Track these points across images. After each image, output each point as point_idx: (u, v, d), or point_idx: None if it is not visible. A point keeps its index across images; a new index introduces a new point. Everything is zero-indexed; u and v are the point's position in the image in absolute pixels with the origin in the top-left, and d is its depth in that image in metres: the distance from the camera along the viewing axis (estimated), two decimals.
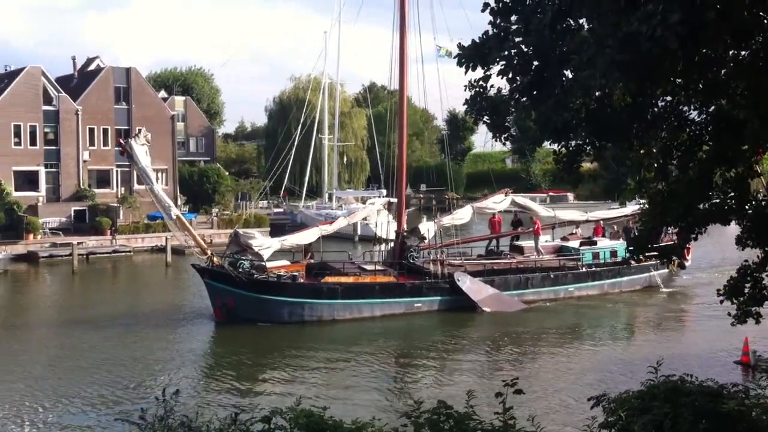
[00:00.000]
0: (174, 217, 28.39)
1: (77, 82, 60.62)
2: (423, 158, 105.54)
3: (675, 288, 35.72)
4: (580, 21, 7.40)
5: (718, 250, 41.41)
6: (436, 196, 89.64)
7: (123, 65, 61.42)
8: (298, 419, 6.27)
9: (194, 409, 12.81)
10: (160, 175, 60.92)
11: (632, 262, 34.32)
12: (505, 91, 8.10)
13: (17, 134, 54.06)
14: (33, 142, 54.61)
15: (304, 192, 68.00)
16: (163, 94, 73.13)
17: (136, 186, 58.84)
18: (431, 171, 72.66)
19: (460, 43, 7.91)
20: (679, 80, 7.50)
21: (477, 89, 8.11)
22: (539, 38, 7.34)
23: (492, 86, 8.17)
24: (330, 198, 67.11)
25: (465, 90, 8.28)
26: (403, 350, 25.60)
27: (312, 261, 31.17)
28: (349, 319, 28.62)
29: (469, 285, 30.22)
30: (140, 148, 27.89)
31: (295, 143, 62.51)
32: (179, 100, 76.04)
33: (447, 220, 34.18)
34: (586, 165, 8.91)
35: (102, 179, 58.42)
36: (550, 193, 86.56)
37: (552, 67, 7.46)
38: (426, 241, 32.66)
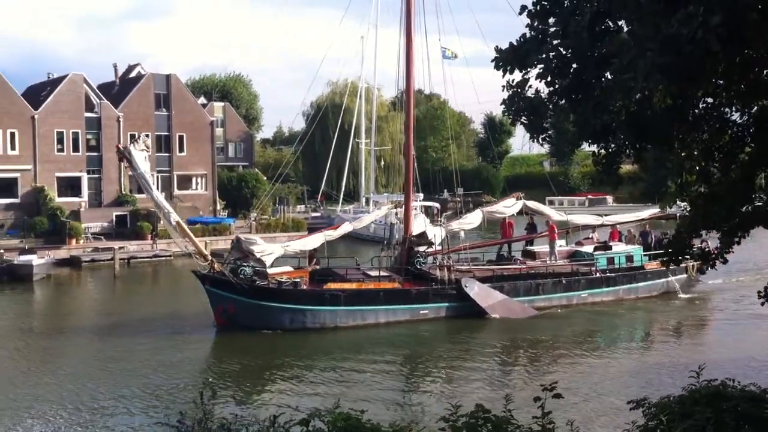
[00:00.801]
0: (174, 223, 27.86)
1: (118, 89, 61.51)
2: (460, 162, 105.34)
3: (695, 294, 34.56)
4: (619, 23, 7.35)
5: (739, 254, 40.57)
6: (473, 199, 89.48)
7: (164, 72, 62.27)
8: (336, 422, 6.31)
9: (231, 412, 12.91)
10: (199, 180, 61.91)
11: (647, 266, 33.57)
12: (543, 93, 8.07)
13: (60, 141, 55.06)
14: (75, 149, 55.56)
15: (342, 196, 68.26)
16: (202, 100, 73.95)
17: (176, 191, 59.64)
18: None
19: (497, 47, 7.90)
20: (721, 81, 7.41)
21: (515, 89, 8.09)
22: (577, 40, 7.30)
23: (530, 87, 8.14)
24: (367, 202, 67.27)
25: (503, 91, 8.26)
26: (414, 357, 25.10)
27: (317, 267, 30.67)
28: (352, 326, 28.09)
29: (477, 291, 29.52)
30: (139, 154, 27.41)
31: (333, 148, 62.78)
32: (218, 106, 76.84)
33: (455, 224, 33.44)
34: (626, 167, 8.83)
35: None
36: (589, 196, 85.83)
37: (591, 69, 7.42)
38: (434, 247, 31.87)
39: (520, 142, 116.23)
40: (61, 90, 55.21)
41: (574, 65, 7.58)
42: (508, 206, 34.40)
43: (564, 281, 31.65)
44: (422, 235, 32.09)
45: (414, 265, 30.62)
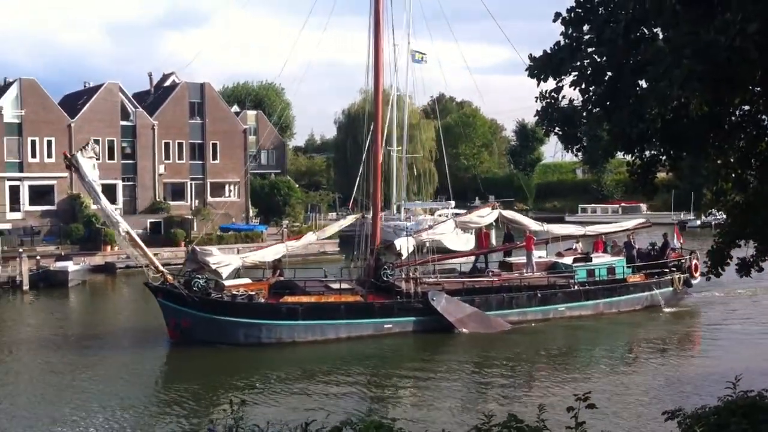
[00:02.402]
0: (123, 234, 26.91)
1: (153, 97, 62.28)
2: (492, 169, 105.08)
3: (680, 308, 33.10)
4: (655, 30, 7.29)
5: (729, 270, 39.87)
6: (504, 207, 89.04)
7: (198, 80, 62.93)
8: (368, 430, 6.30)
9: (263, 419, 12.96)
10: (232, 187, 62.39)
11: (629, 279, 32.42)
12: (576, 102, 8.02)
13: None
14: (111, 156, 56.28)
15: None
16: (235, 108, 74.51)
17: (209, 198, 60.18)
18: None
19: (531, 54, 7.88)
20: (758, 89, 7.32)
21: (548, 101, 8.05)
22: (612, 48, 7.25)
23: (563, 97, 8.10)
24: (398, 209, 67.24)
25: (536, 101, 8.23)
26: (381, 371, 23.89)
27: (282, 278, 29.57)
28: (310, 341, 26.98)
29: (445, 304, 28.30)
30: (87, 162, 26.45)
31: (364, 155, 62.82)
32: (251, 114, 77.32)
33: (426, 235, 31.85)
34: (661, 175, 8.75)
35: (176, 192, 59.83)
36: (622, 204, 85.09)
37: (626, 77, 7.36)
38: (402, 258, 30.37)
39: (553, 150, 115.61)
40: (97, 98, 56.02)
41: (609, 73, 7.53)
42: (483, 216, 33.00)
43: (539, 294, 30.36)
44: (390, 247, 30.85)
45: (380, 278, 29.27)
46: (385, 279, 29.21)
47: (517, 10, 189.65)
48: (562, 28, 7.74)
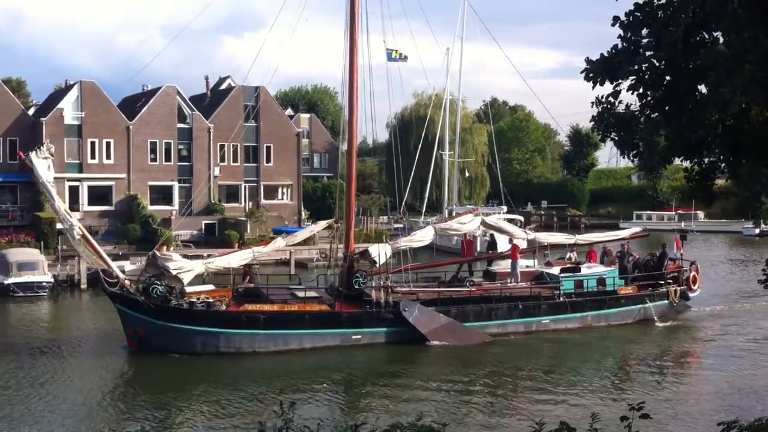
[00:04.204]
0: (78, 237, 25.71)
1: (209, 100, 63.18)
2: (545, 174, 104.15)
3: (675, 321, 31.08)
4: (715, 34, 7.15)
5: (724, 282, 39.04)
6: (557, 213, 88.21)
7: (253, 84, 63.56)
8: None
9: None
10: (285, 190, 62.96)
11: (621, 291, 30.59)
12: (633, 107, 7.91)
13: (153, 150, 56.89)
14: (167, 158, 57.29)
15: (425, 207, 68.28)
16: (289, 111, 75.18)
17: (263, 201, 60.83)
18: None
19: (587, 58, 7.80)
20: None
21: (604, 105, 7.94)
22: (672, 52, 7.12)
23: (620, 102, 7.98)
24: (450, 214, 67.06)
25: (592, 106, 8.13)
26: (345, 386, 22.83)
27: (251, 285, 28.55)
28: (272, 351, 25.80)
29: (417, 315, 26.96)
30: (41, 162, 25.53)
31: (416, 159, 62.88)
32: (304, 117, 77.97)
33: (404, 242, 30.11)
34: (720, 182, 8.56)
35: (231, 194, 60.59)
36: (679, 211, 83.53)
37: (685, 81, 7.23)
38: (377, 266, 28.78)
39: (607, 155, 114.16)
40: (155, 101, 57.05)
41: (668, 77, 7.40)
42: (464, 223, 31.57)
43: (521, 305, 28.82)
44: (365, 254, 29.31)
45: (354, 286, 27.86)
46: (356, 287, 27.84)
47: (575, 11, 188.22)
48: (621, 32, 7.64)
